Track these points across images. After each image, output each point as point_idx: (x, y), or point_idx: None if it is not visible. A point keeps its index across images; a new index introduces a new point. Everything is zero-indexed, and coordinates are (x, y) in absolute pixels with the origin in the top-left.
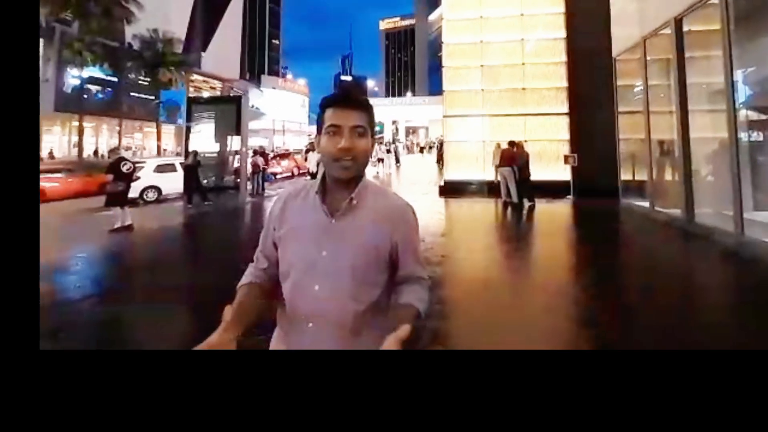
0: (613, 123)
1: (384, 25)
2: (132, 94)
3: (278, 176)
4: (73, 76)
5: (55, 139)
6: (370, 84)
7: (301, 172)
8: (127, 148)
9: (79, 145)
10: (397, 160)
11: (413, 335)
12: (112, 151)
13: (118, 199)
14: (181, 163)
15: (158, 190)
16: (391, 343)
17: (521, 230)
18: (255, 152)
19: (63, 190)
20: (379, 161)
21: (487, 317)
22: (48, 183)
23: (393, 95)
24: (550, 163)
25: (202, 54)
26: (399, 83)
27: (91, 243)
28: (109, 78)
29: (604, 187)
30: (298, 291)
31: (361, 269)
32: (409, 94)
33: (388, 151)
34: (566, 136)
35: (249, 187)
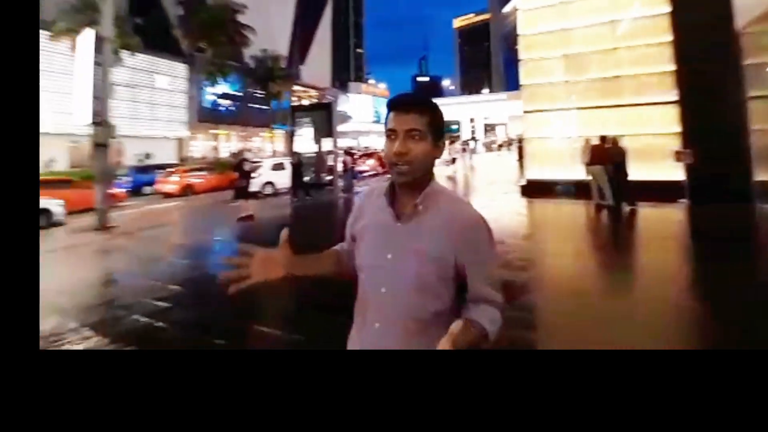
0: (740, 111)
1: (458, 23)
2: (251, 105)
3: (365, 174)
4: (209, 94)
5: (200, 144)
6: (446, 83)
7: (385, 170)
8: (249, 150)
9: (216, 149)
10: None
11: (471, 342)
12: (236, 154)
13: (242, 193)
14: (275, 165)
15: (273, 185)
16: (444, 343)
17: (618, 237)
18: (345, 152)
19: (206, 185)
20: (452, 161)
21: (574, 329)
22: (196, 179)
23: (469, 93)
24: (656, 160)
25: (301, 67)
26: (475, 80)
27: (225, 228)
28: (234, 93)
29: (732, 189)
30: (367, 290)
31: (424, 278)
32: (485, 90)
33: (464, 150)
34: (676, 128)
35: (341, 183)
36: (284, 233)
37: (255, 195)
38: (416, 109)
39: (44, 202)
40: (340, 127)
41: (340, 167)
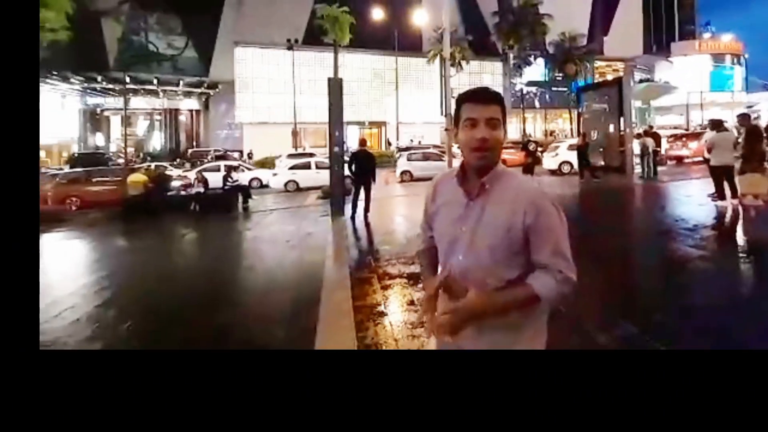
0: None
1: None
2: (554, 89)
3: (686, 161)
4: (518, 83)
5: (512, 128)
6: None
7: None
8: (552, 132)
9: (523, 130)
10: None
11: (516, 301)
12: (523, 136)
13: (529, 170)
14: (571, 146)
15: (570, 164)
16: (471, 293)
17: None
18: (645, 133)
19: (514, 161)
20: None
21: None
22: (508, 156)
23: None
24: None
25: (605, 40)
26: None
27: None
28: (537, 80)
29: None
30: (447, 258)
31: (496, 248)
32: None
33: None
34: None
35: (637, 169)
36: (426, 278)
37: (554, 173)
38: (495, 101)
39: None
40: (662, 101)
41: (637, 150)
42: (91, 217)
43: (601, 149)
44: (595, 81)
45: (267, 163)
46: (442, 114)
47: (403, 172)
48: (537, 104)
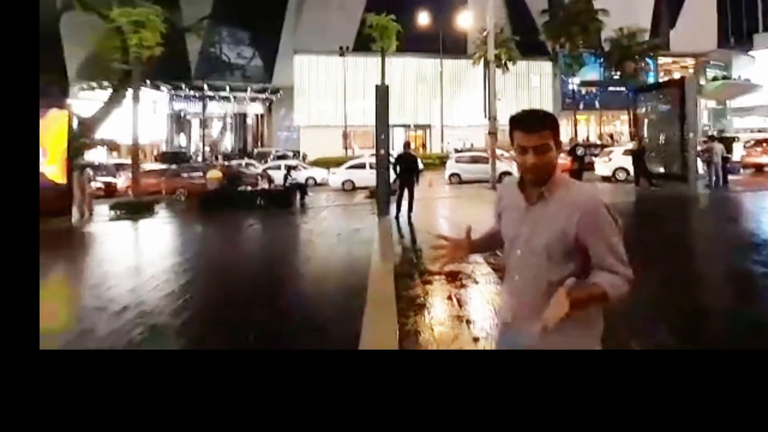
0: None
1: None
2: (609, 88)
3: (767, 169)
4: (570, 84)
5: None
6: None
7: None
8: (610, 135)
9: (574, 134)
10: None
11: (590, 297)
12: (570, 140)
13: (577, 178)
14: (626, 150)
15: (626, 171)
16: (559, 292)
17: None
18: (711, 138)
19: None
20: None
21: None
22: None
23: None
24: None
25: (671, 34)
26: None
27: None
28: (591, 80)
29: None
30: (510, 253)
31: (550, 249)
32: None
33: None
34: None
35: (704, 178)
36: (468, 229)
37: (608, 179)
38: (542, 126)
39: None
40: (741, 101)
41: (699, 158)
42: (178, 208)
43: (661, 155)
44: (660, 80)
45: (320, 163)
46: (485, 117)
47: (451, 175)
48: (596, 105)
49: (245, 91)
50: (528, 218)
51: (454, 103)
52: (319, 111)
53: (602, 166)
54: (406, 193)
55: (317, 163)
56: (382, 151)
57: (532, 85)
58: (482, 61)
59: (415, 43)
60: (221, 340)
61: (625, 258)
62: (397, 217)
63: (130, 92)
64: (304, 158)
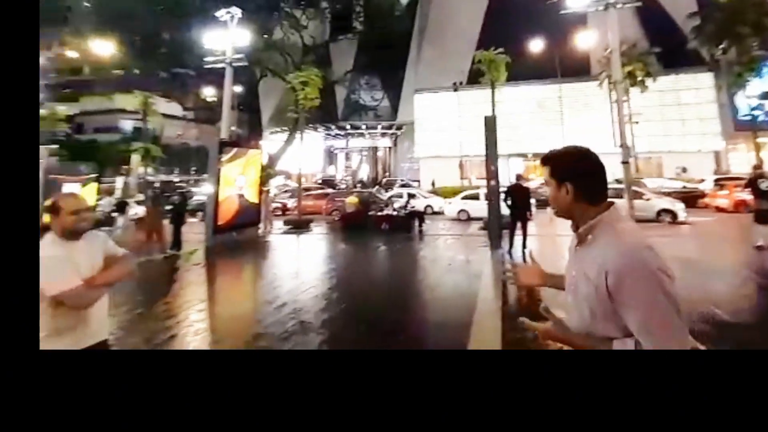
0: None
1: None
2: None
3: None
4: (743, 97)
5: (740, 157)
6: None
7: None
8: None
9: (757, 158)
10: None
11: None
12: (754, 168)
13: (763, 217)
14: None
15: None
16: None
17: None
18: None
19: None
20: None
21: None
22: (722, 200)
23: None
24: None
25: None
26: None
27: (737, 252)
28: None
29: None
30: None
31: (590, 301)
32: None
33: None
34: None
35: None
36: (537, 260)
37: None
38: (545, 162)
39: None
40: None
41: None
42: (327, 226)
43: None
44: None
45: (438, 193)
46: (615, 145)
47: None
48: None
49: (376, 128)
50: (573, 263)
51: (576, 129)
52: (437, 142)
53: None
54: (519, 226)
55: (435, 192)
56: (493, 182)
57: (682, 101)
58: (607, 82)
59: (529, 71)
60: (354, 334)
61: (663, 333)
62: (510, 253)
63: (298, 134)
64: (432, 185)
